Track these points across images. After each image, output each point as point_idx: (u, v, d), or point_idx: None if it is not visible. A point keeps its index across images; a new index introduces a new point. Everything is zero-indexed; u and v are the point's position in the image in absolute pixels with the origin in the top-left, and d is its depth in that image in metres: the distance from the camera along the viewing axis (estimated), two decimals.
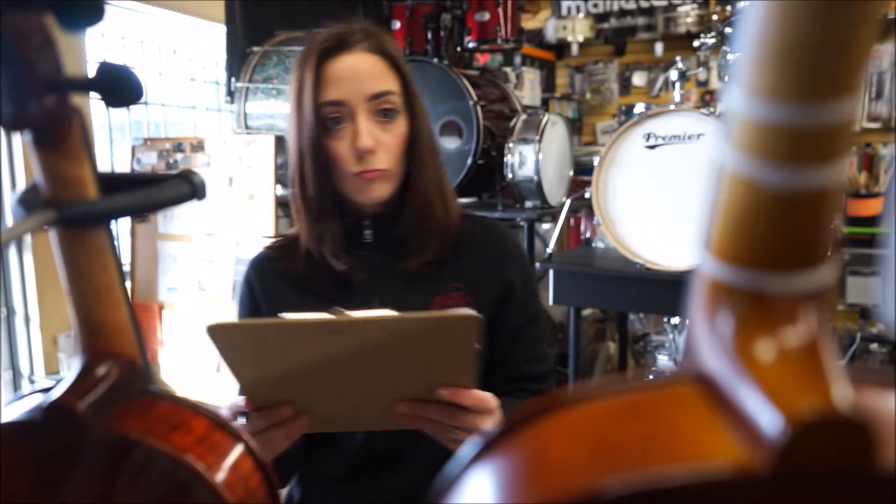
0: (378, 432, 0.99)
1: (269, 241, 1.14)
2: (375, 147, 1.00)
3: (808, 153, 0.19)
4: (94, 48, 3.05)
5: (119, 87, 0.35)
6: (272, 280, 1.08)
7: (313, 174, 1.02)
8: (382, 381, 0.79)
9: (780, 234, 0.21)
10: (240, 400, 0.81)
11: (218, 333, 0.73)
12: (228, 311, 2.76)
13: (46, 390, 0.40)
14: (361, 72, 1.01)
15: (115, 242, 0.41)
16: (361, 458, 1.03)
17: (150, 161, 2.98)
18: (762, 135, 0.19)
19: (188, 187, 0.41)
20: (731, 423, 0.21)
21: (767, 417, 0.19)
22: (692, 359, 0.24)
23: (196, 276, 2.86)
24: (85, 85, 0.34)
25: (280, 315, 0.77)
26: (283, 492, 1.14)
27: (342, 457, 1.04)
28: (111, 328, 0.41)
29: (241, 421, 0.82)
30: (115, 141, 3.27)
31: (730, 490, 0.20)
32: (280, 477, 0.98)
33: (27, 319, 2.91)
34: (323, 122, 1.00)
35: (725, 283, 0.22)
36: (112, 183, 0.40)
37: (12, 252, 2.87)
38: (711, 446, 0.20)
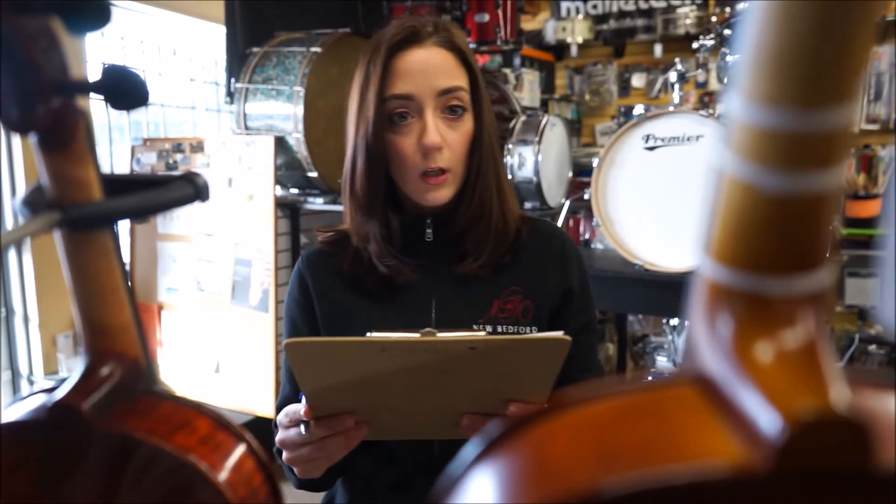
0: (433, 441, 0.99)
1: (322, 235, 1.11)
2: (442, 145, 0.97)
3: (807, 158, 0.20)
4: (94, 48, 3.05)
5: (125, 90, 0.35)
6: (324, 275, 1.07)
7: (366, 172, 1.00)
8: (455, 396, 0.79)
9: (778, 238, 0.21)
10: (299, 407, 0.80)
11: (297, 351, 0.72)
12: (227, 312, 2.76)
13: (50, 390, 0.41)
14: (432, 66, 0.98)
15: (118, 244, 0.41)
16: (415, 468, 1.01)
17: (149, 161, 2.98)
18: (761, 140, 0.20)
19: (192, 189, 0.41)
20: (731, 423, 0.21)
21: (766, 418, 0.20)
22: (692, 360, 0.24)
23: (195, 277, 2.87)
24: (91, 88, 0.35)
25: (368, 334, 0.76)
26: (322, 495, 1.11)
27: (395, 465, 1.02)
28: (115, 329, 0.41)
29: (301, 429, 0.81)
30: (114, 141, 3.27)
31: (730, 489, 0.20)
32: (325, 479, 0.95)
33: (26, 320, 2.91)
34: (389, 116, 0.98)
35: (725, 285, 0.22)
36: (116, 184, 0.40)
37: (11, 253, 2.87)
38: (711, 446, 0.21)
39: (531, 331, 1.02)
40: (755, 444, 0.20)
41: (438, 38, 0.99)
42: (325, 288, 1.06)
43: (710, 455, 0.20)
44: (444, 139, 0.97)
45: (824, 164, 0.20)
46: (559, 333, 0.74)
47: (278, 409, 0.96)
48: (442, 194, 0.99)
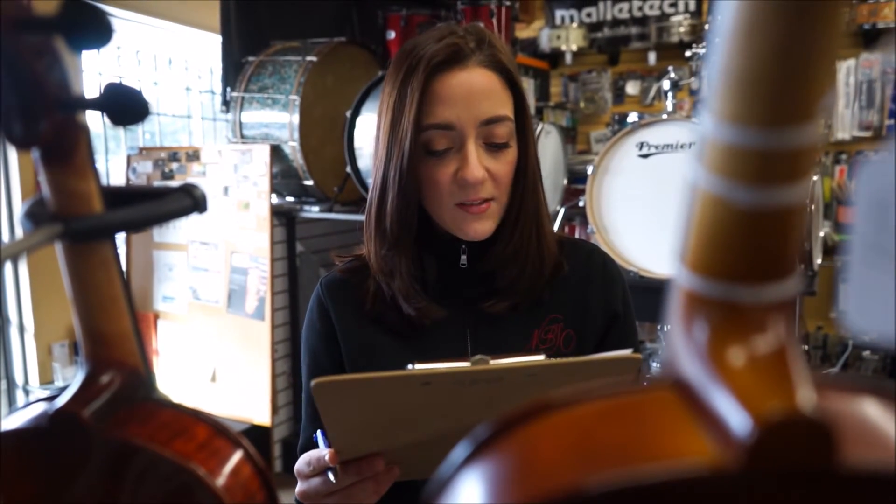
0: None
1: (340, 262, 1.02)
2: (484, 178, 0.88)
3: (774, 174, 0.21)
4: (91, 59, 3.06)
5: (125, 106, 0.36)
6: (346, 306, 0.98)
7: (397, 205, 0.90)
8: None
9: (749, 249, 0.22)
10: (322, 453, 0.73)
11: (327, 391, 0.63)
12: (223, 320, 2.77)
13: (50, 399, 0.42)
14: (476, 92, 0.87)
15: (118, 254, 0.42)
16: None
17: (145, 170, 2.99)
18: (730, 156, 0.21)
19: (190, 200, 0.42)
20: (705, 424, 0.22)
21: (737, 419, 0.21)
22: (671, 365, 0.25)
23: (191, 286, 2.87)
24: (92, 104, 0.36)
25: (409, 366, 0.67)
26: None
27: None
28: (115, 338, 0.42)
29: (329, 476, 0.74)
30: (110, 150, 3.28)
31: (703, 486, 0.21)
32: None
33: (22, 329, 2.91)
34: (424, 146, 0.88)
35: (699, 293, 0.24)
36: (115, 196, 0.41)
37: (7, 262, 2.86)
38: (687, 446, 0.22)
39: None
40: (727, 444, 0.21)
41: (482, 57, 0.89)
42: (349, 321, 0.98)
43: (685, 454, 0.21)
44: (486, 171, 0.89)
45: (791, 179, 0.21)
46: (628, 352, 0.65)
47: (297, 457, 0.89)
48: (484, 226, 0.91)
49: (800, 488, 0.21)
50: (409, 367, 0.66)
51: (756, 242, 0.22)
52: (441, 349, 0.94)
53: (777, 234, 0.22)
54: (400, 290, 0.93)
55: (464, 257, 0.95)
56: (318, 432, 0.80)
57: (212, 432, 0.42)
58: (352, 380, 0.66)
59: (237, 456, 0.42)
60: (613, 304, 0.99)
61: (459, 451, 0.27)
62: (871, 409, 0.23)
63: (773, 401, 0.21)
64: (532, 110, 4.05)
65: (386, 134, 0.91)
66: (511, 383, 0.64)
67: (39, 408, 0.41)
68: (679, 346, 0.24)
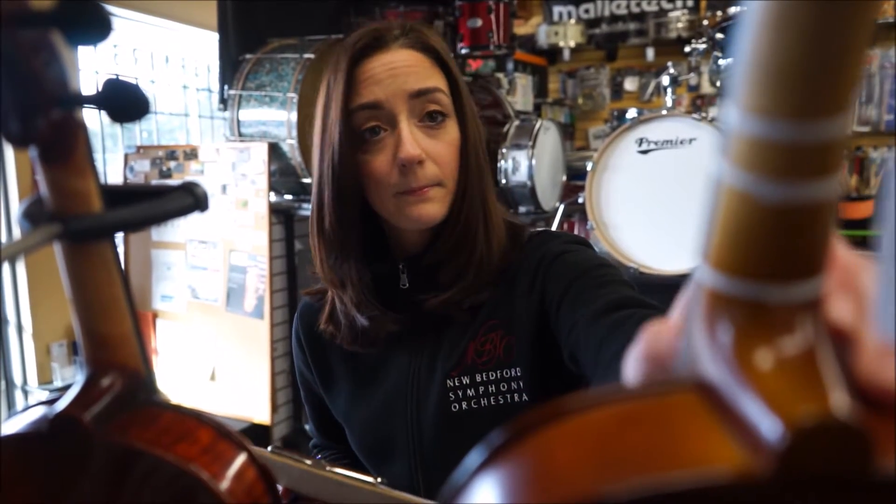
0: None
1: (311, 287, 1.00)
2: (423, 158, 0.82)
3: (803, 169, 0.20)
4: (87, 57, 3.05)
5: (126, 103, 0.35)
6: (311, 331, 0.97)
7: (335, 205, 0.85)
8: None
9: (777, 246, 0.21)
10: None
11: None
12: (222, 319, 2.76)
13: (50, 402, 0.41)
14: (401, 68, 0.83)
15: (118, 254, 0.41)
16: None
17: (142, 169, 2.97)
18: (757, 150, 0.20)
19: (191, 199, 0.41)
20: (733, 429, 0.21)
21: (767, 424, 0.20)
22: (693, 367, 0.25)
23: (190, 284, 2.86)
24: (92, 101, 0.35)
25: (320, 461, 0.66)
26: None
27: None
28: (116, 340, 0.41)
29: None
30: (107, 149, 3.26)
31: (731, 494, 0.20)
32: None
33: (20, 329, 2.90)
34: (356, 133, 0.83)
35: (724, 293, 0.23)
36: (115, 195, 0.40)
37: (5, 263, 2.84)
38: (713, 452, 0.21)
39: (515, 372, 0.85)
40: (756, 450, 0.20)
41: (407, 40, 0.86)
42: (314, 345, 0.97)
43: (711, 461, 0.21)
44: (425, 151, 0.82)
45: (821, 173, 0.20)
46: None
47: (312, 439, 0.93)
48: (430, 209, 0.84)
49: (832, 495, 0.20)
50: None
51: (784, 239, 0.21)
52: (390, 370, 0.90)
53: (806, 230, 0.21)
54: (352, 299, 0.88)
55: (403, 276, 0.90)
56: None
57: (215, 435, 0.41)
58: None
59: (241, 459, 0.41)
60: (541, 285, 0.85)
61: (473, 457, 0.26)
62: None
63: (804, 405, 0.20)
64: (530, 107, 4.04)
65: (318, 132, 0.87)
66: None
67: (39, 412, 0.41)
68: (702, 347, 0.24)
